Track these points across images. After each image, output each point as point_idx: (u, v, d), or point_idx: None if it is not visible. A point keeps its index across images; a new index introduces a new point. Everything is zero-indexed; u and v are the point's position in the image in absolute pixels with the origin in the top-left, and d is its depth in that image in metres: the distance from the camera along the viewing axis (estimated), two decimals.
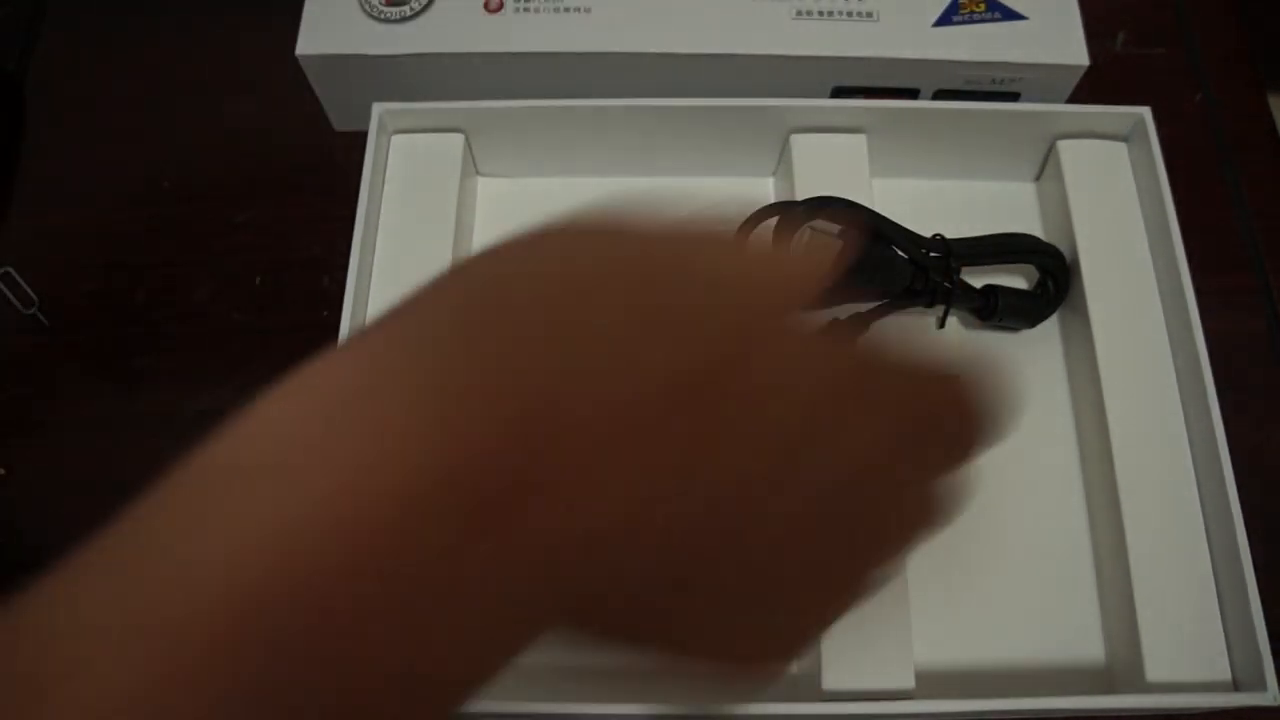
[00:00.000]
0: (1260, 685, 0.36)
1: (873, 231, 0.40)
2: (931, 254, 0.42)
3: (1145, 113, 0.45)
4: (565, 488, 0.17)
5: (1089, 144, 0.46)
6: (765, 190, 0.49)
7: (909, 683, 0.37)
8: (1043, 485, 0.43)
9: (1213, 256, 0.47)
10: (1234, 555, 0.37)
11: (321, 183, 0.51)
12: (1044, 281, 0.45)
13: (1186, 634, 0.38)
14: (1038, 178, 0.49)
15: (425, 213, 0.44)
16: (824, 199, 0.41)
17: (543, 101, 0.44)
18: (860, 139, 0.45)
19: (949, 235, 0.42)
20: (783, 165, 0.47)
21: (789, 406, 0.19)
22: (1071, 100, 0.49)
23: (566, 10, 0.47)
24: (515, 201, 0.49)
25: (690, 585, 0.19)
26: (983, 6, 0.48)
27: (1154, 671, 0.37)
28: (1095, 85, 0.48)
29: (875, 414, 0.20)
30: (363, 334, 0.18)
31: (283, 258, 0.49)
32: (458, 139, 0.45)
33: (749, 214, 0.37)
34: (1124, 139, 0.46)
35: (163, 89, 0.53)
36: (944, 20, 0.48)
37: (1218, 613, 0.38)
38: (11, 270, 0.48)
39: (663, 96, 0.44)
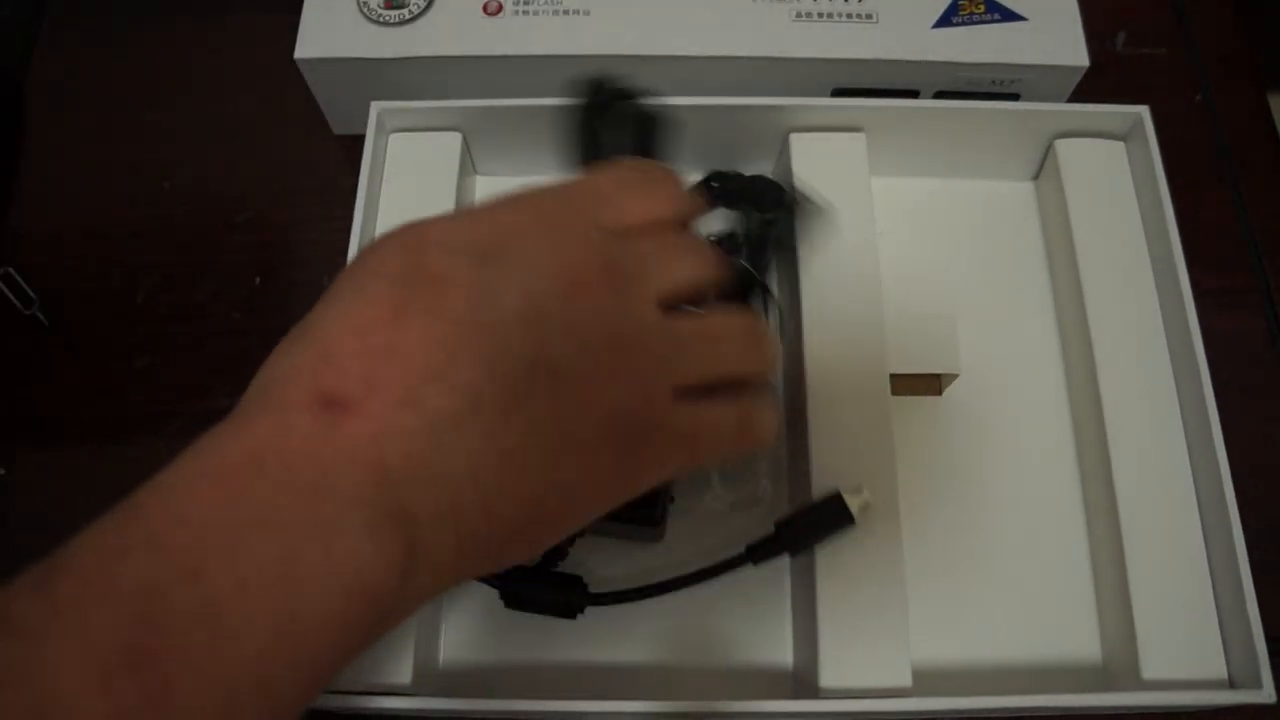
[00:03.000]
0: (1256, 683, 0.36)
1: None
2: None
3: (1144, 112, 0.45)
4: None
5: (1087, 143, 0.46)
6: None
7: (906, 681, 0.37)
8: (1039, 484, 0.43)
9: (1212, 256, 0.47)
10: (1230, 554, 0.37)
11: (321, 182, 0.51)
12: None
13: (1183, 632, 0.38)
14: (1036, 177, 0.49)
15: (423, 212, 0.43)
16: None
17: (541, 100, 0.44)
18: (860, 138, 0.45)
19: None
20: (781, 164, 0.47)
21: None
22: (1071, 100, 0.49)
23: (566, 13, 0.47)
24: None
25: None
26: (982, 7, 0.48)
27: (1150, 669, 0.37)
28: (1095, 85, 0.48)
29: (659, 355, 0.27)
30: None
31: (283, 258, 0.49)
32: (456, 138, 0.45)
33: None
34: (1123, 138, 0.46)
35: (163, 90, 0.53)
36: (944, 21, 0.47)
37: (1214, 611, 0.38)
38: (11, 270, 0.48)
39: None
